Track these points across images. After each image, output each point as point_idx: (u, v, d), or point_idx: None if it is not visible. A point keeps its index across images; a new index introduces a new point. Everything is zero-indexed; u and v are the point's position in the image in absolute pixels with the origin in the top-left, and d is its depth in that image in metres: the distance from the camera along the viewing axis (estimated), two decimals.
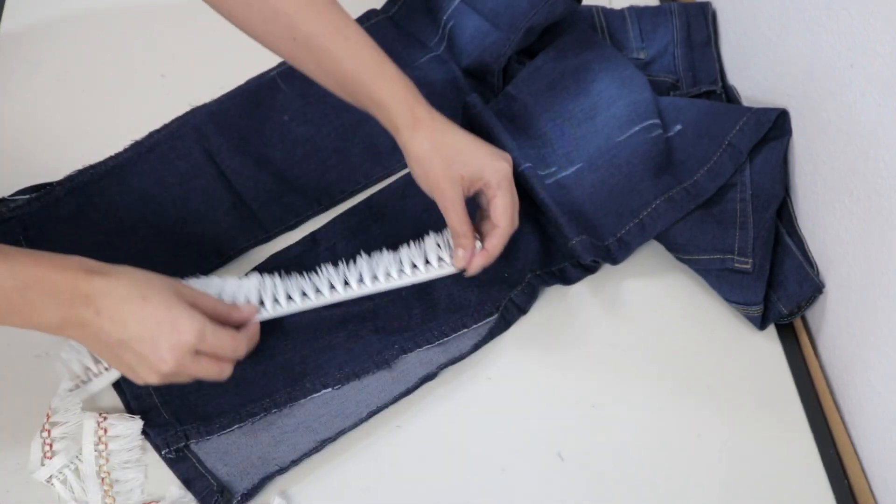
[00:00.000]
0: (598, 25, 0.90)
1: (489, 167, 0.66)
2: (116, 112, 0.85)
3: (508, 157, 0.69)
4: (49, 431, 0.64)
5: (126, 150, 0.81)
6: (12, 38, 0.90)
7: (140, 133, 0.82)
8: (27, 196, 0.77)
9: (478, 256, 0.68)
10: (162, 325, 0.57)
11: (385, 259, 0.70)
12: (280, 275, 0.68)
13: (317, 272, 0.69)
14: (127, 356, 0.57)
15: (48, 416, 0.65)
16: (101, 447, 0.63)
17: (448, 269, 0.70)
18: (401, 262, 0.70)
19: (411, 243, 0.71)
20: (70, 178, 0.78)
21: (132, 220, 0.77)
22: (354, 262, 0.69)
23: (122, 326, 0.56)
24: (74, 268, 0.57)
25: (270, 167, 0.81)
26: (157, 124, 0.82)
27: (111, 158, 0.80)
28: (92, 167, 0.79)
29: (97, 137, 0.82)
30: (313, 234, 0.78)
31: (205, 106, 0.84)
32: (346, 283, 0.69)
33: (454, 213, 0.66)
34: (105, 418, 0.64)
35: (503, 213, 0.67)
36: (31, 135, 0.83)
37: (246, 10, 0.65)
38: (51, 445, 0.63)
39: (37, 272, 0.56)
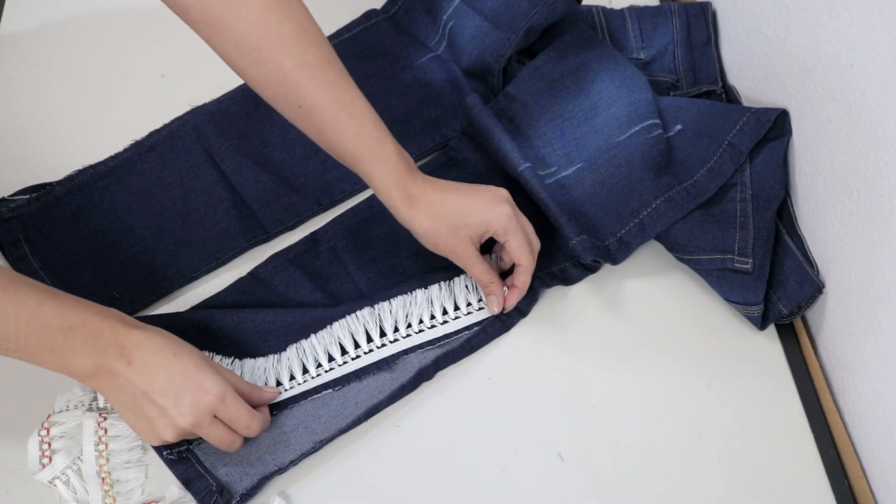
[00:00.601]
0: (598, 25, 0.90)
1: (492, 219, 0.68)
2: (116, 112, 0.85)
3: (504, 193, 0.70)
4: (48, 431, 0.64)
5: (126, 150, 0.81)
6: (12, 37, 0.90)
7: (140, 133, 0.82)
8: (27, 196, 0.77)
9: (510, 296, 0.72)
10: (188, 383, 0.59)
11: (412, 305, 0.72)
12: (307, 336, 0.71)
13: (345, 324, 0.71)
14: (148, 408, 0.59)
15: (48, 416, 0.65)
16: (102, 447, 0.63)
17: (484, 314, 0.73)
18: (432, 309, 0.73)
19: (441, 286, 0.74)
20: (70, 178, 0.78)
21: (132, 220, 0.77)
22: (380, 308, 0.72)
23: (150, 378, 0.58)
24: (114, 318, 0.60)
25: (270, 167, 0.81)
26: (157, 124, 0.82)
27: (111, 158, 0.80)
28: (92, 167, 0.79)
29: (97, 137, 0.82)
30: (313, 234, 0.78)
31: (205, 106, 0.84)
32: (369, 337, 0.71)
33: (475, 267, 0.70)
34: (105, 418, 0.64)
35: (520, 252, 0.69)
36: (31, 135, 0.83)
37: (255, 72, 0.66)
38: (49, 445, 0.63)
39: (83, 317, 0.58)
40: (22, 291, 0.57)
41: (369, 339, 0.71)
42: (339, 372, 0.69)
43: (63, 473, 0.62)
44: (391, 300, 0.72)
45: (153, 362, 0.59)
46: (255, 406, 0.65)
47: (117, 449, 0.64)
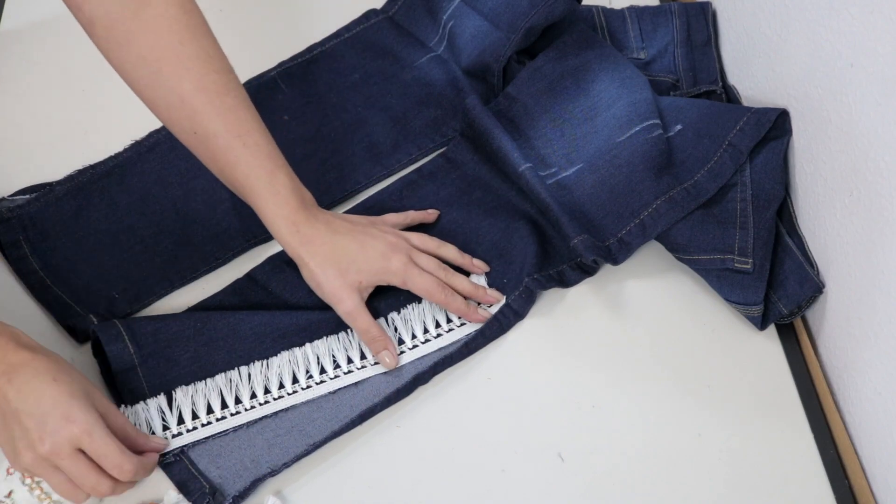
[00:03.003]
0: (598, 25, 0.90)
1: (385, 271, 0.68)
2: (116, 112, 0.84)
3: (398, 242, 0.70)
4: None
5: (126, 150, 0.81)
6: (12, 37, 0.90)
7: (140, 133, 0.82)
8: (27, 196, 0.77)
9: (482, 312, 0.72)
10: (56, 409, 0.57)
11: (408, 322, 0.72)
12: (301, 341, 0.70)
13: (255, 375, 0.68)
14: (13, 426, 0.57)
15: None
16: (29, 481, 0.62)
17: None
18: (425, 322, 0.72)
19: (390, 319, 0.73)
20: (70, 178, 0.78)
21: (132, 220, 0.77)
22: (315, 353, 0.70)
23: (22, 397, 0.57)
24: (7, 336, 0.59)
25: None
26: (157, 124, 0.82)
27: (111, 158, 0.80)
28: (92, 167, 0.79)
29: (97, 137, 0.82)
30: None
31: None
32: (363, 354, 0.70)
33: (359, 320, 0.68)
34: None
35: (428, 293, 0.70)
36: (31, 135, 0.83)
37: (152, 92, 0.65)
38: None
39: None
40: None
41: (363, 356, 0.70)
42: (330, 386, 0.68)
43: (9, 497, 0.62)
44: (387, 316, 0.72)
45: (30, 384, 0.57)
46: (139, 452, 0.61)
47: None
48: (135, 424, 0.64)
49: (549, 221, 0.76)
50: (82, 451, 0.57)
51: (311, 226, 0.68)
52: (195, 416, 0.66)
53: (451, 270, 0.73)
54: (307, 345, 0.70)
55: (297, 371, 0.68)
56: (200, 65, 0.64)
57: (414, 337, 0.71)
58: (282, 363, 0.69)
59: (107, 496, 0.60)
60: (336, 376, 0.69)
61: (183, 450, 0.65)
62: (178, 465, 0.64)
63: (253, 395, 0.67)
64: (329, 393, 0.68)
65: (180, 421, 0.66)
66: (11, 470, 0.62)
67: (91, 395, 0.60)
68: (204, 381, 0.67)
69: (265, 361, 0.69)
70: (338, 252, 0.68)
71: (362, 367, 0.70)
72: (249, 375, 0.68)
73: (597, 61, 0.83)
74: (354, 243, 0.69)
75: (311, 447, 0.65)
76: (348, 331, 0.71)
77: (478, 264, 0.74)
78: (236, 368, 0.68)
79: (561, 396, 0.70)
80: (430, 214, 0.78)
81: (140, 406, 0.66)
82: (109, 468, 0.58)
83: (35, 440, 0.56)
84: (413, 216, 0.77)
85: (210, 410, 0.67)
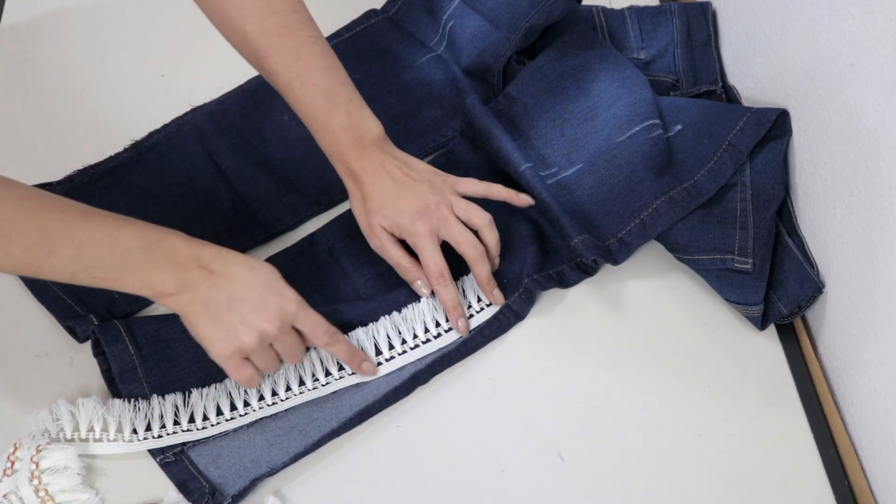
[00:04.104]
0: (598, 25, 0.90)
1: (406, 226, 0.70)
2: (116, 112, 0.85)
3: (437, 212, 0.70)
4: (16, 448, 0.63)
5: (126, 150, 0.81)
6: (12, 37, 0.90)
7: (140, 133, 0.82)
8: None
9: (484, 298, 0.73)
10: (269, 291, 0.62)
11: (408, 321, 0.72)
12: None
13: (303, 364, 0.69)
14: (230, 316, 0.61)
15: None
16: (35, 482, 0.62)
17: (479, 318, 0.72)
18: (425, 321, 0.72)
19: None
20: (70, 178, 0.78)
21: None
22: (374, 328, 0.71)
23: (233, 284, 0.61)
24: (184, 236, 0.62)
25: (270, 167, 0.81)
26: (157, 124, 0.82)
27: (111, 158, 0.80)
28: (92, 167, 0.79)
29: (97, 137, 0.82)
30: (311, 235, 0.78)
31: (205, 106, 0.84)
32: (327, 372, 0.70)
33: (387, 254, 0.71)
34: (39, 450, 0.63)
35: (426, 265, 0.70)
36: (31, 135, 0.83)
37: (222, 29, 0.70)
38: (13, 464, 0.63)
39: (160, 235, 0.61)
40: (98, 219, 0.59)
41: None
42: (334, 387, 0.68)
43: (5, 497, 0.62)
44: (386, 317, 0.72)
45: (233, 273, 0.61)
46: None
47: (51, 480, 0.62)
48: (145, 417, 0.65)
49: (550, 221, 0.76)
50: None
51: (361, 165, 0.70)
52: (205, 418, 0.66)
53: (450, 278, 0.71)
54: (311, 349, 0.70)
55: (303, 374, 0.68)
56: (260, 7, 0.67)
57: (415, 337, 0.71)
58: (287, 366, 0.69)
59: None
60: (341, 377, 0.69)
61: (183, 449, 0.65)
62: (177, 465, 0.64)
63: (261, 398, 0.67)
64: (330, 393, 0.68)
65: (191, 420, 0.66)
66: (9, 472, 0.62)
67: (280, 275, 0.65)
68: (213, 386, 0.67)
69: None
70: (375, 193, 0.70)
71: (378, 363, 0.70)
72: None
73: (597, 61, 0.83)
74: (392, 192, 0.70)
75: (311, 447, 0.65)
76: (349, 334, 0.71)
77: (496, 295, 0.73)
78: None
79: (561, 396, 0.70)
80: (521, 198, 0.74)
81: (156, 399, 0.66)
82: (320, 335, 0.65)
83: (260, 322, 0.61)
84: (497, 192, 0.73)
85: (219, 412, 0.67)
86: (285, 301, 0.62)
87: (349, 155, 0.70)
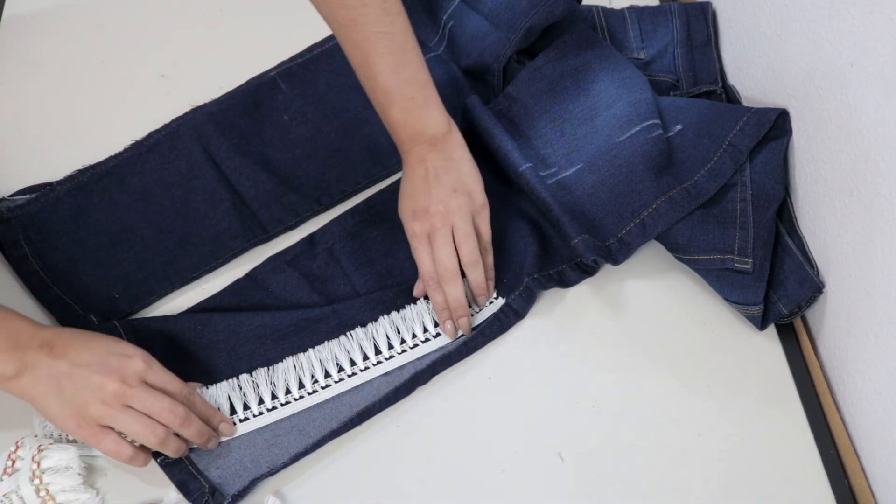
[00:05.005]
0: (598, 25, 0.90)
1: (406, 225, 0.73)
2: (116, 112, 0.85)
3: (431, 219, 0.71)
4: (17, 447, 0.63)
5: (126, 150, 0.81)
6: (12, 37, 0.90)
7: (140, 133, 0.82)
8: (27, 196, 0.77)
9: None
10: (111, 351, 0.60)
11: (408, 321, 0.72)
12: (302, 342, 0.70)
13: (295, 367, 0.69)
14: (72, 386, 0.58)
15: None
16: (37, 482, 0.62)
17: (480, 317, 0.73)
18: (424, 321, 0.72)
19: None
20: (70, 178, 0.78)
21: (132, 220, 0.77)
22: (373, 328, 0.72)
23: (73, 356, 0.59)
24: (19, 317, 0.60)
25: (270, 167, 0.81)
26: (157, 124, 0.82)
27: (111, 158, 0.80)
28: (92, 167, 0.79)
29: (97, 137, 0.82)
30: (311, 235, 0.78)
31: (205, 106, 0.84)
32: (365, 355, 0.70)
33: (410, 240, 0.73)
34: (41, 450, 0.63)
35: (417, 263, 0.72)
36: (31, 135, 0.83)
37: (328, 9, 0.71)
38: (14, 463, 0.63)
39: (2, 316, 0.59)
40: None
41: (365, 357, 0.70)
42: (332, 391, 0.68)
43: (6, 497, 0.62)
44: (384, 316, 0.72)
45: (74, 343, 0.60)
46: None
47: (52, 480, 0.62)
48: None
49: (550, 221, 0.76)
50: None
51: (407, 156, 0.74)
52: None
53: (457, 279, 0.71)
54: (311, 350, 0.70)
55: (302, 377, 0.68)
56: None
57: (414, 336, 0.71)
58: (287, 368, 0.69)
59: (178, 428, 0.61)
60: (340, 379, 0.69)
61: None
62: (177, 465, 0.64)
63: (260, 402, 0.67)
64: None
65: None
66: (10, 471, 0.62)
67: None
68: (216, 385, 0.67)
69: (271, 368, 0.69)
70: (406, 183, 0.74)
71: (365, 367, 0.70)
72: (256, 384, 0.68)
73: (597, 61, 0.83)
74: (413, 186, 0.73)
75: (311, 447, 0.65)
76: (349, 334, 0.71)
77: (449, 329, 0.72)
78: (240, 375, 0.68)
79: (561, 396, 0.70)
80: (478, 300, 0.74)
81: None
82: (175, 393, 0.61)
83: (102, 383, 0.58)
84: (475, 276, 0.73)
85: (233, 411, 0.67)
86: (129, 359, 0.60)
87: (403, 146, 0.73)
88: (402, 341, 0.71)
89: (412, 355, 0.70)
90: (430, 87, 0.73)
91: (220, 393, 0.67)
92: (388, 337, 0.71)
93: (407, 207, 0.73)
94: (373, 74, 0.70)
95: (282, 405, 0.67)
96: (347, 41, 0.70)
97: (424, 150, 0.73)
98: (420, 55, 0.72)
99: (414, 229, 0.72)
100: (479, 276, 0.72)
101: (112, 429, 0.60)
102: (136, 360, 0.60)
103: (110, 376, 0.58)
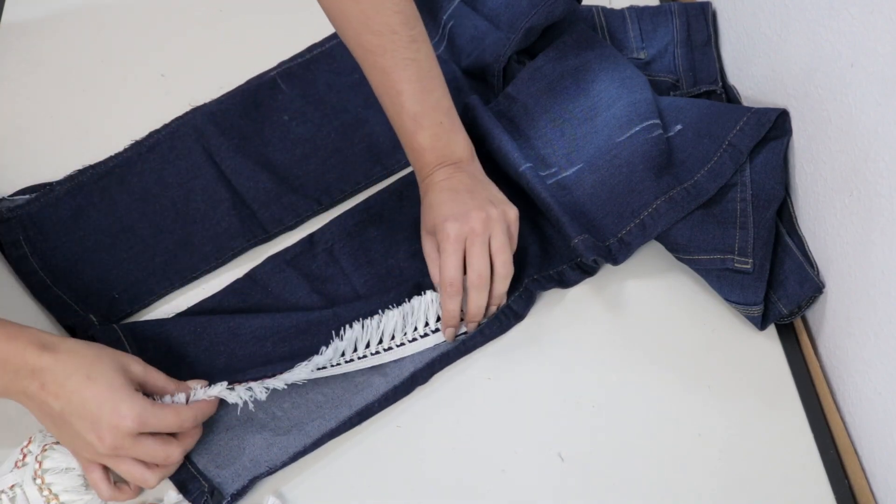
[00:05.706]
0: (598, 25, 0.90)
1: (439, 227, 0.70)
2: (116, 112, 0.85)
3: (470, 223, 0.69)
4: (30, 441, 0.63)
5: (126, 150, 0.81)
6: (13, 37, 0.90)
7: (140, 133, 0.82)
8: (27, 196, 0.77)
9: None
10: (103, 408, 0.57)
11: (408, 316, 0.72)
12: (303, 342, 0.70)
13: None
14: (67, 429, 0.58)
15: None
16: (39, 481, 0.62)
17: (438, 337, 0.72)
18: (427, 315, 0.72)
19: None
20: (70, 178, 0.78)
21: (132, 220, 0.77)
22: (370, 324, 0.71)
23: (64, 401, 0.57)
24: (25, 340, 0.58)
25: (270, 167, 0.81)
26: (157, 124, 0.82)
27: (111, 158, 0.80)
28: (92, 167, 0.79)
29: (97, 137, 0.82)
30: (311, 235, 0.78)
31: (205, 106, 0.84)
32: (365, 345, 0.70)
33: (427, 261, 0.73)
34: (44, 450, 0.63)
35: (442, 267, 0.70)
36: (31, 135, 0.83)
37: (354, 34, 0.71)
38: (24, 456, 0.63)
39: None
40: None
41: (363, 357, 0.70)
42: (328, 372, 0.68)
43: (11, 490, 0.62)
44: (384, 311, 0.72)
45: (66, 386, 0.57)
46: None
47: (54, 480, 0.62)
48: None
49: (550, 221, 0.76)
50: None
51: (434, 179, 0.72)
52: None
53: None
54: (314, 357, 0.69)
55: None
56: (360, 22, 0.69)
57: (416, 329, 0.71)
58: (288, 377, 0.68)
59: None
60: (350, 360, 0.69)
61: None
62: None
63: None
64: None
65: None
66: (20, 464, 0.62)
67: (126, 368, 0.60)
68: (216, 385, 0.67)
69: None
70: (433, 200, 0.72)
71: (363, 356, 0.70)
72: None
73: (597, 61, 0.83)
74: (442, 198, 0.71)
75: (310, 446, 0.65)
76: (343, 336, 0.71)
77: (448, 333, 0.72)
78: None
79: (561, 396, 0.70)
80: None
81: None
82: (172, 429, 0.60)
83: (94, 441, 0.57)
84: (498, 287, 0.72)
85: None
86: (121, 420, 0.57)
87: (425, 168, 0.73)
88: (405, 333, 0.71)
89: (413, 349, 0.70)
90: (454, 112, 0.73)
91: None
92: (392, 329, 0.71)
93: (438, 214, 0.70)
94: (400, 101, 0.70)
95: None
96: (374, 67, 0.70)
97: (451, 170, 0.72)
98: (443, 81, 0.73)
99: (448, 231, 0.69)
100: (504, 288, 0.71)
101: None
102: (127, 421, 0.57)
103: (102, 440, 0.57)
